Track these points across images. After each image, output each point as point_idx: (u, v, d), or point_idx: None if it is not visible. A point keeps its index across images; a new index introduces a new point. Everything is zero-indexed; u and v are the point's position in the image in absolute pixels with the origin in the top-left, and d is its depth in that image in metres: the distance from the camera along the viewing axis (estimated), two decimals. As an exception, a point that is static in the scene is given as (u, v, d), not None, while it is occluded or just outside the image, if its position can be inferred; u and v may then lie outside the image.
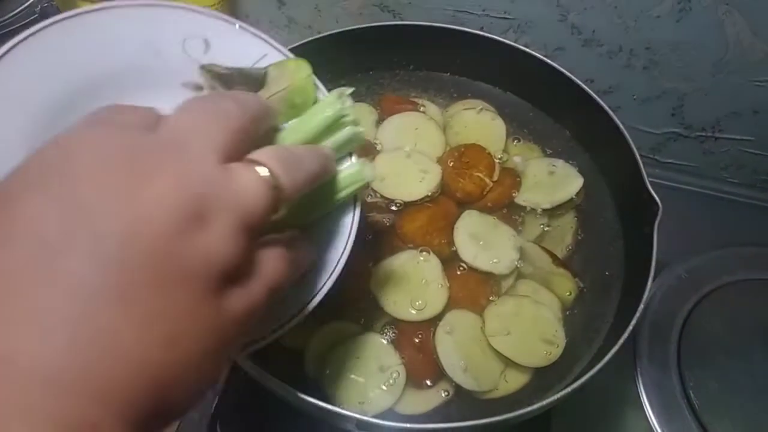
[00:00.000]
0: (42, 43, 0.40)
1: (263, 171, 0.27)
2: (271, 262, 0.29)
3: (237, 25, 0.47)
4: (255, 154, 0.28)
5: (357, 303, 0.53)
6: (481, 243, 0.56)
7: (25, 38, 0.39)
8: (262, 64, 0.47)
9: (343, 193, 0.37)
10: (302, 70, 0.47)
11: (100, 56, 0.43)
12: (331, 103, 0.36)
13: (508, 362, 0.52)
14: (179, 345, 0.24)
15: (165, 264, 0.23)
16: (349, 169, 0.37)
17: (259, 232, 0.27)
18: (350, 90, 0.38)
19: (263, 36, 0.48)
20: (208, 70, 0.45)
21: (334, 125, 0.36)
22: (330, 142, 0.37)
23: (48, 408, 0.20)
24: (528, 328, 0.53)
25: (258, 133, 0.30)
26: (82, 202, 0.23)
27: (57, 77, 0.41)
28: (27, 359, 0.21)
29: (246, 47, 0.47)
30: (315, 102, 0.44)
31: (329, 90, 0.47)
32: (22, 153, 0.39)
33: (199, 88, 0.46)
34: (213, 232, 0.24)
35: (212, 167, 0.26)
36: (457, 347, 0.52)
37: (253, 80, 0.46)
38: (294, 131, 0.35)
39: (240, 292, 0.26)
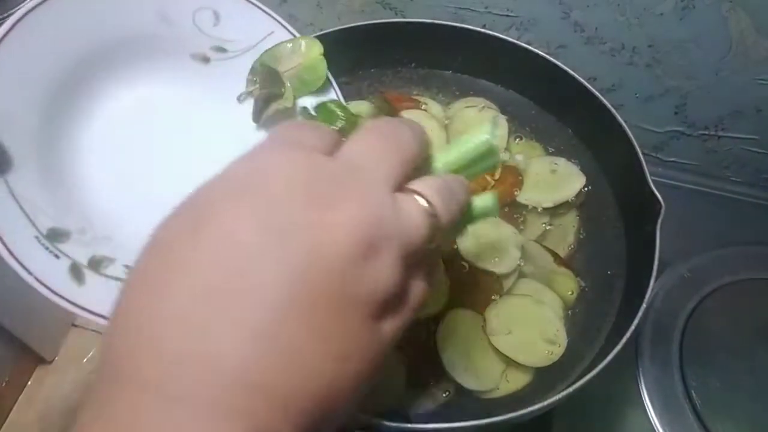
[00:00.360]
0: (55, 10, 0.40)
1: (423, 202, 0.29)
2: (418, 287, 0.30)
3: (248, 0, 0.48)
4: (416, 185, 0.29)
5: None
6: (482, 242, 0.56)
7: (36, 6, 0.39)
8: (269, 41, 0.48)
9: (473, 222, 0.37)
10: (314, 48, 0.48)
11: (112, 23, 0.43)
12: (487, 132, 0.35)
13: (510, 362, 0.51)
14: (347, 364, 0.25)
15: (341, 286, 0.24)
16: (484, 202, 0.37)
17: (415, 261, 0.28)
18: (503, 117, 0.37)
19: (272, 13, 0.48)
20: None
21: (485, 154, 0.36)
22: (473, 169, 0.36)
23: (241, 408, 0.22)
24: (530, 327, 0.52)
25: (420, 162, 0.31)
26: (277, 221, 0.24)
27: (70, 44, 0.41)
28: (227, 360, 0.22)
29: (254, 23, 0.48)
30: (326, 80, 0.47)
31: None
32: (33, 123, 0.39)
33: (206, 59, 0.47)
34: (382, 261, 0.26)
35: (387, 197, 0.27)
36: (458, 347, 0.51)
37: (269, 74, 0.47)
38: (445, 158, 0.35)
39: (393, 317, 0.28)
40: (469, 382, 0.50)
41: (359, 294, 0.25)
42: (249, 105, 0.48)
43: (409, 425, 0.43)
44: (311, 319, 0.24)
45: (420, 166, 0.31)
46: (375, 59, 0.68)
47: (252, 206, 0.25)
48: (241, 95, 0.48)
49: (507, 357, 0.51)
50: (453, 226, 0.31)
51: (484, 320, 0.53)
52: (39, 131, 0.39)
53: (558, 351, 0.52)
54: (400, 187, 0.29)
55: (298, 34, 0.48)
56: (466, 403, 0.50)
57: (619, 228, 0.59)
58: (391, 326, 0.28)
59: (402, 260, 0.27)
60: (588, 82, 0.60)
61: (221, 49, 0.47)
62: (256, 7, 0.48)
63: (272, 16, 0.48)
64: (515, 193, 0.60)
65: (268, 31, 0.48)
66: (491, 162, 0.36)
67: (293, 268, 0.24)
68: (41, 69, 0.40)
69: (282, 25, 0.49)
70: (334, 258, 0.24)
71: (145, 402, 0.22)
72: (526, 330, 0.52)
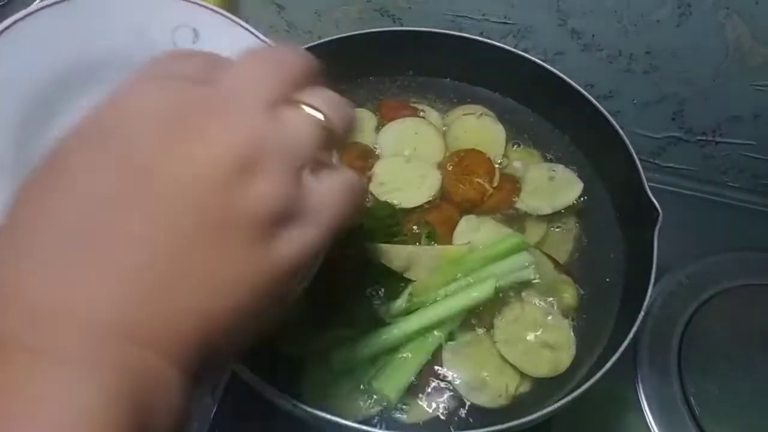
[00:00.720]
0: (33, 28, 0.40)
1: (311, 111, 0.28)
2: (325, 200, 0.28)
3: (227, 17, 0.48)
4: (302, 97, 0.28)
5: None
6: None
7: (16, 22, 0.39)
8: None
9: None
10: None
11: (90, 42, 0.43)
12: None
13: (519, 373, 0.51)
14: (232, 293, 0.24)
15: (216, 216, 0.24)
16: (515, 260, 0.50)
17: (312, 170, 0.28)
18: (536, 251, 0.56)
19: (251, 29, 0.49)
20: None
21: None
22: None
23: (105, 354, 0.21)
24: (538, 337, 0.52)
25: (309, 83, 0.30)
26: (137, 162, 0.24)
27: (47, 62, 0.41)
28: (86, 308, 0.22)
29: (234, 39, 0.48)
30: None
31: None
32: (10, 141, 0.39)
33: None
34: (263, 179, 0.25)
35: (263, 116, 0.26)
36: (468, 367, 0.51)
37: None
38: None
39: (295, 232, 0.26)
40: (480, 399, 0.50)
41: (240, 218, 0.24)
42: None
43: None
44: (183, 257, 0.23)
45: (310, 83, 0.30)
46: (373, 67, 0.68)
47: (111, 151, 0.24)
48: None
49: (517, 369, 0.51)
50: (347, 133, 0.30)
51: (493, 332, 0.52)
52: (11, 153, 0.39)
53: (566, 361, 0.51)
54: (287, 102, 0.28)
55: None
56: (463, 411, 0.50)
57: (618, 234, 0.60)
58: (290, 244, 0.26)
59: (292, 174, 0.26)
60: (585, 89, 0.61)
61: None
62: (235, 23, 0.48)
63: (252, 32, 0.48)
64: (514, 199, 0.60)
65: (248, 47, 0.48)
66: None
67: (157, 209, 0.23)
68: (15, 90, 0.39)
69: (262, 40, 0.49)
70: (202, 189, 0.24)
71: (6, 358, 0.21)
72: (534, 340, 0.52)
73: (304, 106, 0.28)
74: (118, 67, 0.44)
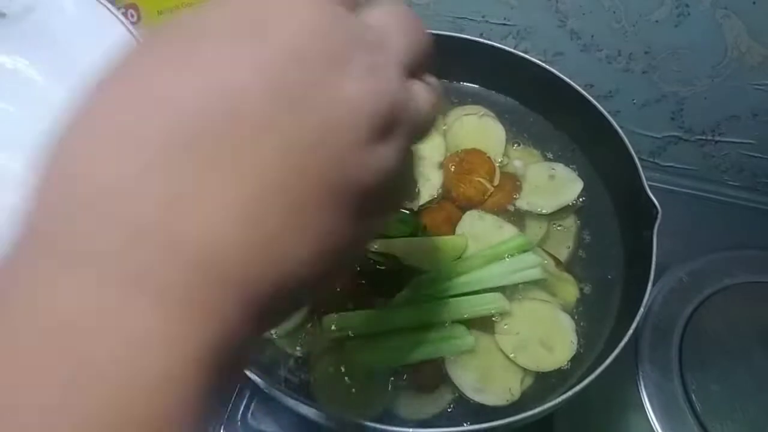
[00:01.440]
0: None
1: (432, 92, 0.26)
2: (409, 185, 0.28)
3: None
4: (425, 75, 0.26)
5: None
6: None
7: None
8: None
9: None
10: None
11: None
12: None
13: (522, 370, 0.52)
14: (322, 257, 0.22)
15: (340, 172, 0.21)
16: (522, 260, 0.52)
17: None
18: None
19: None
20: None
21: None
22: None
23: (206, 297, 0.19)
24: (539, 334, 0.53)
25: (429, 62, 0.27)
26: (285, 79, 0.20)
27: None
28: (190, 240, 0.18)
29: None
30: None
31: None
32: None
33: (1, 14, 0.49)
34: (389, 146, 0.23)
35: (402, 80, 0.24)
36: (468, 360, 0.52)
37: None
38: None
39: (379, 213, 0.26)
40: (485, 398, 0.50)
41: (357, 183, 0.22)
42: (45, 71, 0.50)
43: (411, 430, 0.43)
44: (299, 211, 0.20)
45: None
46: (374, 69, 0.69)
47: (255, 51, 0.20)
48: None
49: (521, 367, 0.51)
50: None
51: (496, 333, 0.53)
52: None
53: (567, 357, 0.52)
54: (413, 74, 0.25)
55: None
56: (467, 407, 0.51)
57: (617, 233, 0.60)
58: (376, 223, 0.25)
59: (407, 146, 0.24)
60: (585, 89, 0.61)
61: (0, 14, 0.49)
62: None
63: None
64: (514, 198, 0.61)
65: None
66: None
67: (297, 146, 0.20)
68: None
69: None
70: (339, 145, 0.21)
71: (82, 280, 0.18)
72: (536, 337, 0.52)
73: (426, 84, 0.26)
74: None
